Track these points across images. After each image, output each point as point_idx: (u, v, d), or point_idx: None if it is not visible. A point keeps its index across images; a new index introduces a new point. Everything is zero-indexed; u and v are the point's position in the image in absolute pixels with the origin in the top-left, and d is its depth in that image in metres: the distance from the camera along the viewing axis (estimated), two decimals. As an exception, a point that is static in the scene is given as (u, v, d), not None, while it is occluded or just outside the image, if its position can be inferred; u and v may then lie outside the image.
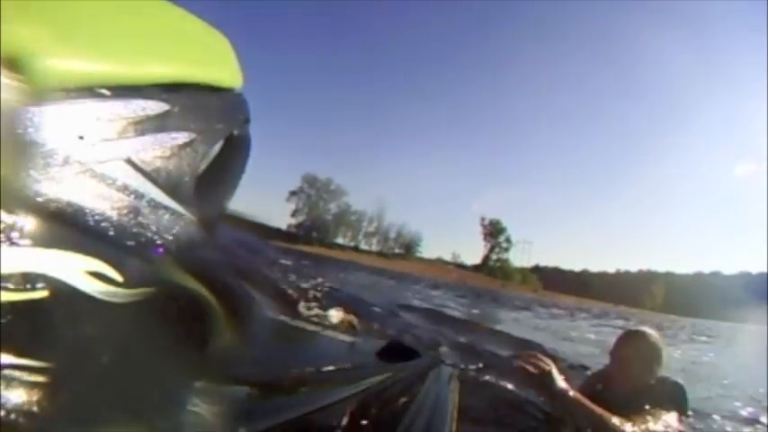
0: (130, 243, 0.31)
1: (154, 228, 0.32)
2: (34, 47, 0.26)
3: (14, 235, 0.26)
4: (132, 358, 0.31)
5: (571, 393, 1.34)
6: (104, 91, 0.29)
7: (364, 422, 0.61)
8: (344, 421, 0.56)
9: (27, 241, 0.26)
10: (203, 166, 0.36)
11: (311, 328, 0.91)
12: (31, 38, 0.26)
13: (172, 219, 0.33)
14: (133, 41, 0.32)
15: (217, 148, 0.38)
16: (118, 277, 0.30)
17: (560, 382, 1.34)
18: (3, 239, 0.26)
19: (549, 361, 1.37)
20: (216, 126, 0.37)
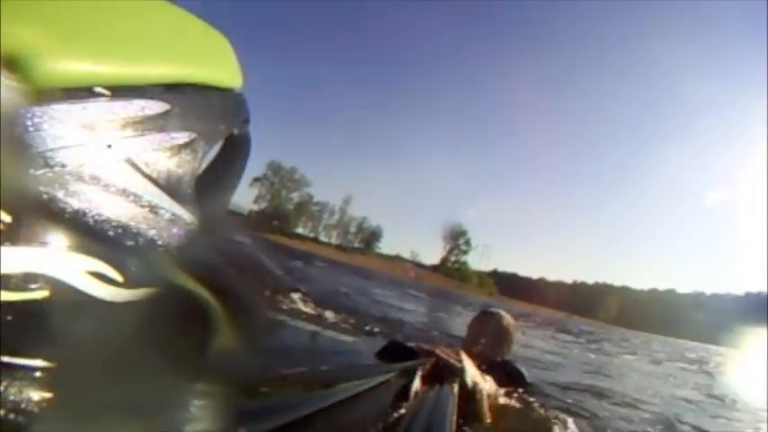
0: (130, 243, 0.31)
1: (154, 228, 0.32)
2: (34, 47, 0.26)
3: (14, 235, 0.26)
4: (132, 358, 0.31)
5: (479, 386, 1.34)
6: (104, 91, 0.29)
7: (365, 422, 0.61)
8: (345, 421, 0.56)
9: (27, 241, 0.26)
10: (203, 166, 0.36)
11: (311, 328, 0.91)
12: (31, 38, 0.26)
13: (172, 219, 0.33)
14: (133, 41, 0.32)
15: (217, 148, 0.38)
16: (118, 277, 0.30)
17: (476, 376, 1.34)
18: (3, 239, 0.26)
19: (463, 355, 1.36)
20: (216, 126, 0.37)
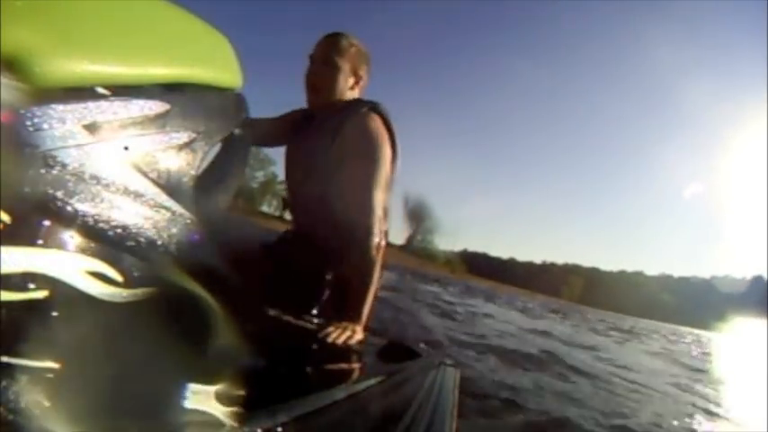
0: (130, 243, 0.31)
1: (154, 228, 0.32)
2: (34, 47, 0.26)
3: (14, 235, 0.26)
4: (132, 358, 0.31)
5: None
6: (104, 91, 0.29)
7: (364, 422, 0.61)
8: (345, 421, 0.56)
9: (27, 241, 0.26)
10: (203, 166, 0.36)
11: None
12: (31, 38, 0.26)
13: (172, 219, 0.33)
14: (133, 41, 0.32)
15: (217, 148, 0.38)
16: (118, 277, 0.30)
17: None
18: (3, 239, 0.26)
19: None
20: (216, 126, 0.37)
